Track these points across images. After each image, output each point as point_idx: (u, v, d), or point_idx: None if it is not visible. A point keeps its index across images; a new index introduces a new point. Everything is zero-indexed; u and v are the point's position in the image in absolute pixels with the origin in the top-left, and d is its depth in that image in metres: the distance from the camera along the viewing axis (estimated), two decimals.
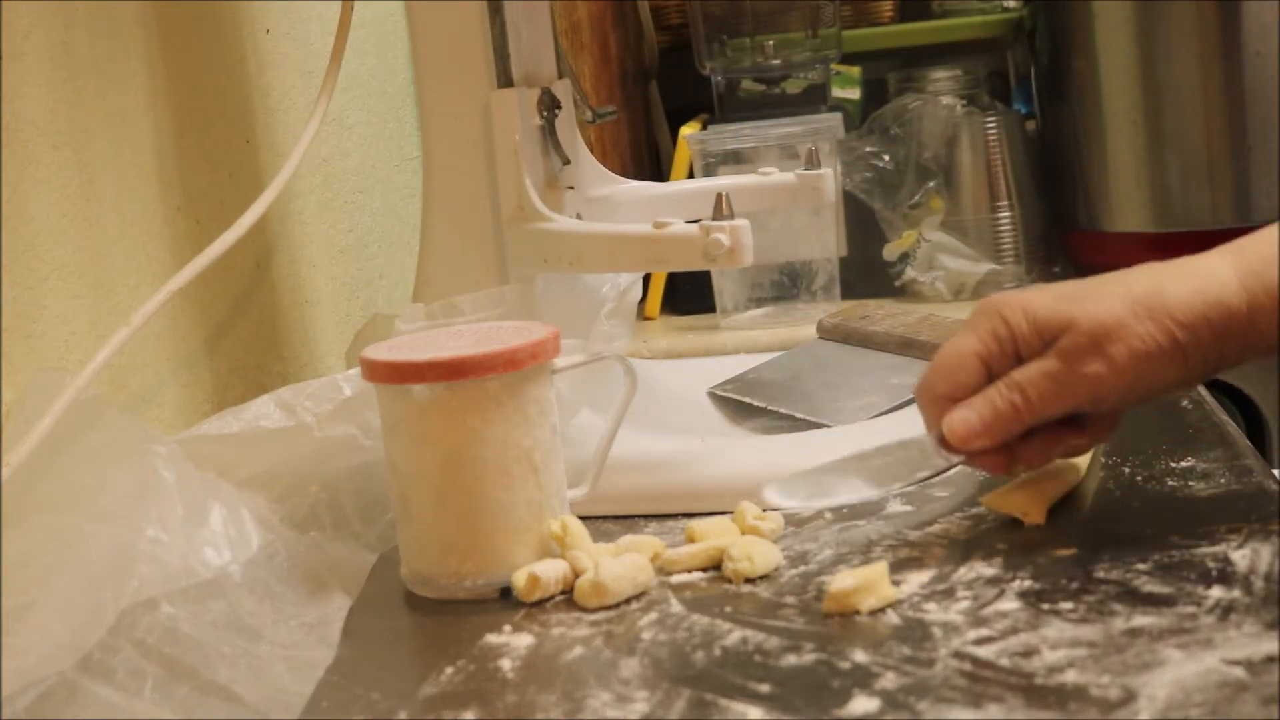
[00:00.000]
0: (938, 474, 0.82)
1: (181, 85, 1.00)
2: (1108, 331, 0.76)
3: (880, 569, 0.74)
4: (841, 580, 0.73)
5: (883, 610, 0.73)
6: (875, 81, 1.89)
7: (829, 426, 1.00)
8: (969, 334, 0.80)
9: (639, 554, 0.81)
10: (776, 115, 1.73)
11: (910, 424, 0.96)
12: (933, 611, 0.72)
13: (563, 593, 0.80)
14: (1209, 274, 0.77)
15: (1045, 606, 0.71)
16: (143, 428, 0.80)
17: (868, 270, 1.72)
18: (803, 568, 0.80)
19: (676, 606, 0.77)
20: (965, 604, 0.72)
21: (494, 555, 0.81)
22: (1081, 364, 0.77)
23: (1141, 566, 0.74)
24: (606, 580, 0.77)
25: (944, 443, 0.80)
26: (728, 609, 0.76)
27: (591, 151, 1.11)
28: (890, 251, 1.71)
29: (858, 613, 0.72)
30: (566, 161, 1.03)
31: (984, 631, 0.69)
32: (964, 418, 0.79)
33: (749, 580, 0.79)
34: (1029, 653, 0.66)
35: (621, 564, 0.78)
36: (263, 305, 1.11)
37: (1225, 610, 0.68)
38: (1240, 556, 0.74)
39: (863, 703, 0.63)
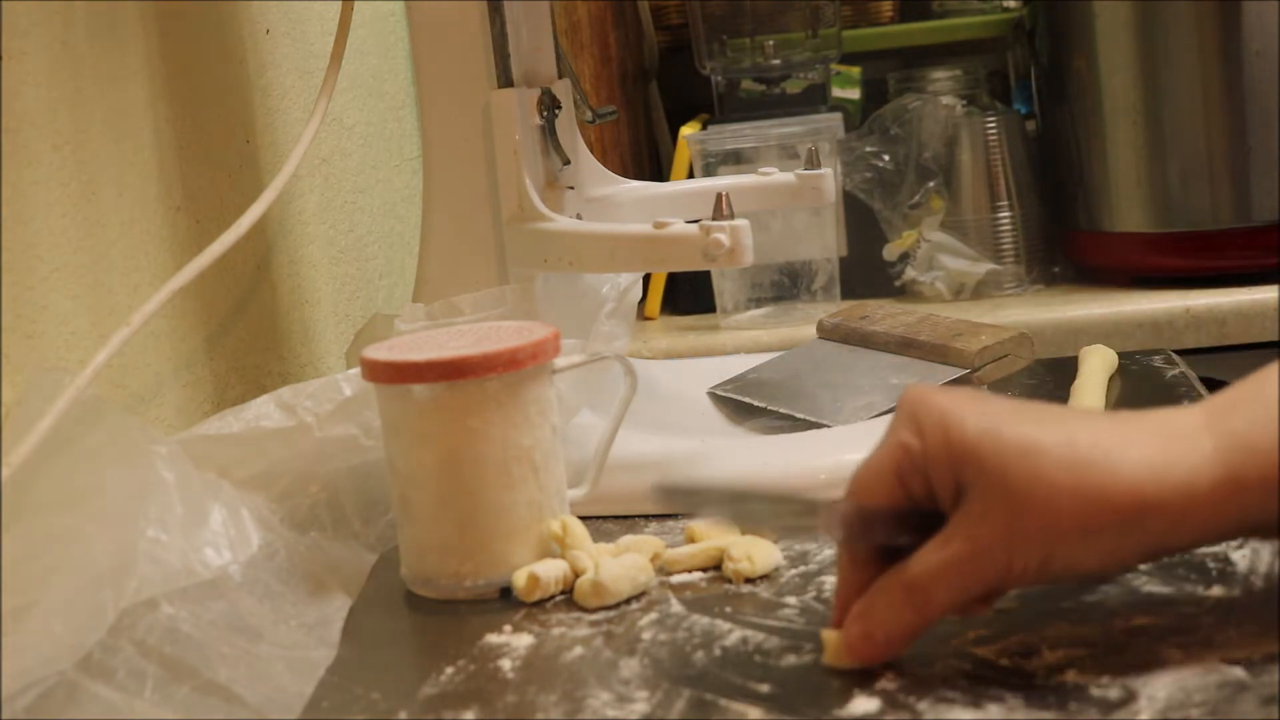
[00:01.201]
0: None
1: (181, 85, 1.00)
2: (1021, 502, 0.61)
3: None
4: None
5: None
6: (875, 81, 1.89)
7: (829, 426, 1.00)
8: (887, 441, 0.66)
9: (639, 554, 0.81)
10: (776, 115, 1.73)
11: None
12: None
13: (563, 593, 0.80)
14: (1177, 437, 0.62)
15: (1045, 606, 0.71)
16: (143, 428, 0.80)
17: (868, 270, 1.72)
18: (802, 568, 0.80)
19: (676, 606, 0.77)
20: None
21: (494, 555, 0.81)
22: (991, 543, 0.62)
23: (1142, 566, 0.74)
24: (606, 580, 0.77)
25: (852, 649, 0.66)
26: (728, 609, 0.76)
27: (591, 151, 1.11)
28: (890, 251, 1.71)
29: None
30: (566, 161, 1.03)
31: (984, 631, 0.69)
32: (865, 634, 0.65)
33: (749, 580, 0.79)
34: (1029, 653, 0.66)
35: (621, 564, 0.78)
36: (263, 305, 1.11)
37: (1225, 610, 0.68)
38: (1240, 556, 0.74)
39: (863, 703, 0.63)
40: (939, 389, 0.66)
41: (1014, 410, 0.64)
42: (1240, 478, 0.61)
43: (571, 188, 1.04)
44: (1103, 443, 0.62)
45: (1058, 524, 0.61)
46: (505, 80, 0.99)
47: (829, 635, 0.67)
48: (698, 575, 0.81)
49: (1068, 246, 1.74)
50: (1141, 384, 1.09)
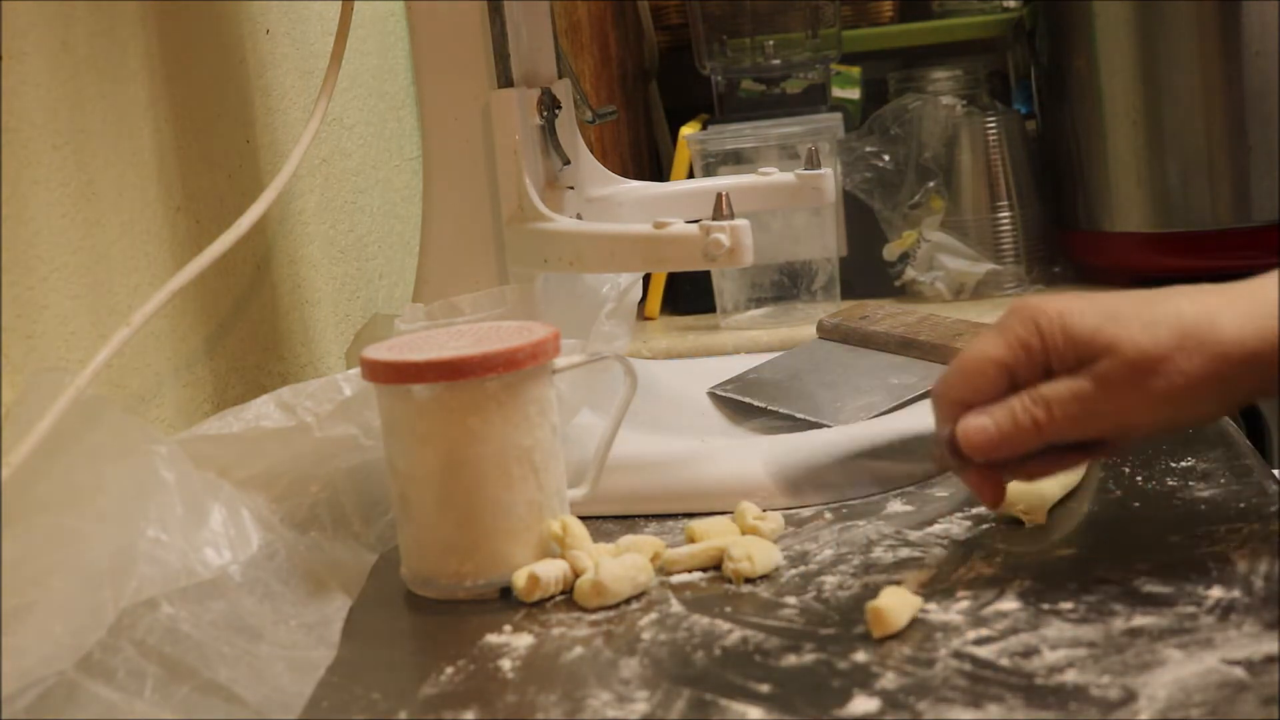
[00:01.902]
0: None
1: (181, 85, 1.00)
2: (1152, 363, 0.70)
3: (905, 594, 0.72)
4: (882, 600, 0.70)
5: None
6: (875, 81, 1.89)
7: (829, 426, 1.00)
8: (996, 338, 0.74)
9: (639, 554, 0.81)
10: (776, 115, 1.73)
11: (911, 422, 0.96)
12: (933, 611, 0.72)
13: (563, 593, 0.80)
14: (1266, 300, 0.71)
15: (1045, 606, 0.71)
16: (143, 428, 0.80)
17: (868, 270, 1.72)
18: (803, 568, 0.80)
19: (676, 606, 0.77)
20: (965, 604, 0.72)
21: (494, 555, 0.81)
22: (1117, 394, 0.71)
23: (1141, 566, 0.74)
24: (606, 580, 0.77)
25: (954, 448, 0.74)
26: (728, 609, 0.76)
27: (591, 151, 1.11)
28: (890, 251, 1.71)
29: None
30: (566, 161, 1.03)
31: (984, 631, 0.69)
32: (981, 425, 0.73)
33: (749, 580, 0.79)
34: (1029, 653, 0.66)
35: (621, 564, 0.78)
36: (263, 305, 1.11)
37: (1225, 610, 0.68)
38: (1240, 556, 0.74)
39: (863, 703, 0.63)
40: (1047, 296, 0.74)
41: (1121, 298, 0.73)
42: None
43: (571, 188, 1.05)
44: (1206, 309, 0.71)
45: (1179, 381, 0.70)
46: (505, 80, 0.99)
47: (878, 607, 0.69)
48: (698, 575, 0.81)
49: (1068, 246, 1.74)
50: None
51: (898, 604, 0.70)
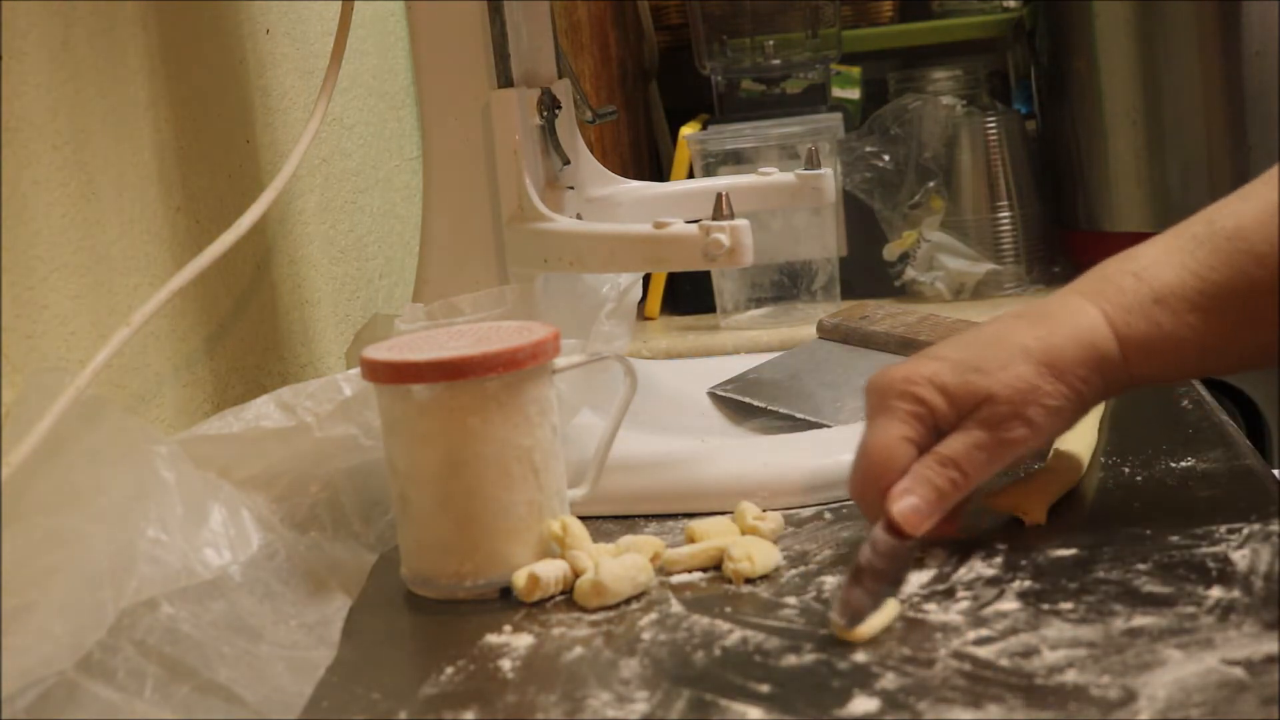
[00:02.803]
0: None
1: (181, 85, 1.00)
2: (1024, 398, 0.78)
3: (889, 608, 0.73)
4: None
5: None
6: (875, 81, 1.89)
7: (829, 426, 1.00)
8: (888, 420, 0.79)
9: (639, 554, 0.81)
10: (776, 115, 1.73)
11: None
12: (933, 611, 0.72)
13: (563, 593, 0.80)
14: (1089, 327, 0.80)
15: (1045, 606, 0.71)
16: (143, 428, 0.80)
17: (868, 270, 1.72)
18: (803, 568, 0.80)
19: (676, 606, 0.77)
20: (965, 604, 0.72)
21: (494, 555, 0.81)
22: (1006, 431, 0.78)
23: (1141, 566, 0.74)
24: (606, 580, 0.77)
25: (898, 532, 0.77)
26: (728, 609, 0.76)
27: (591, 151, 1.11)
28: (890, 251, 1.71)
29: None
30: (566, 161, 1.03)
31: (984, 631, 0.69)
32: (912, 506, 0.77)
33: (749, 580, 0.79)
34: (1029, 653, 0.66)
35: (621, 564, 0.78)
36: (263, 305, 1.11)
37: (1225, 610, 0.68)
38: (1240, 556, 0.74)
39: (863, 703, 0.63)
40: (909, 368, 0.80)
41: (968, 347, 0.81)
42: (1127, 344, 0.80)
43: (571, 188, 1.04)
44: (1042, 336, 0.79)
45: (1049, 404, 0.78)
46: (505, 80, 0.99)
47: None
48: (698, 575, 0.81)
49: (1068, 246, 1.74)
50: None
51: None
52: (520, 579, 0.79)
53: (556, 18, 1.09)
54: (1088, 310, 0.81)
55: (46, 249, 0.83)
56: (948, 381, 0.79)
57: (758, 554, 0.80)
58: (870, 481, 0.79)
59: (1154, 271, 0.81)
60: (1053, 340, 0.79)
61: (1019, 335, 0.80)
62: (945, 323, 1.09)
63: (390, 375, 0.80)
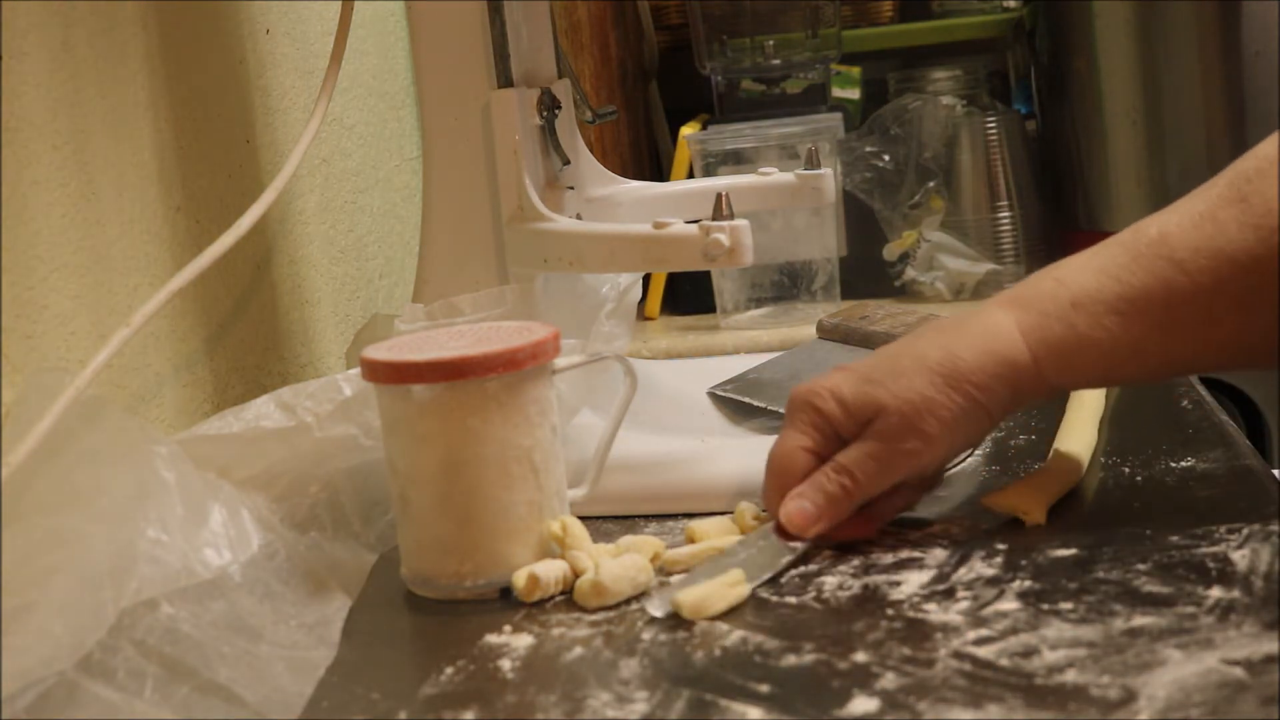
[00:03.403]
0: (798, 559, 0.81)
1: (181, 85, 1.00)
2: (916, 409, 0.80)
3: (730, 578, 0.76)
4: (690, 592, 0.75)
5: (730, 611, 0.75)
6: (875, 81, 1.89)
7: None
8: (790, 431, 0.83)
9: (639, 554, 0.81)
10: (776, 115, 1.73)
11: None
12: (933, 611, 0.72)
13: (563, 593, 0.80)
14: (995, 333, 0.81)
15: (1045, 606, 0.71)
16: (143, 428, 0.80)
17: (868, 270, 1.72)
18: (802, 568, 0.80)
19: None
20: (965, 604, 0.72)
21: (494, 555, 0.81)
22: (899, 442, 0.80)
23: (1141, 566, 0.74)
24: (606, 580, 0.77)
25: (783, 533, 0.81)
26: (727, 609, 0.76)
27: (591, 151, 1.11)
28: (890, 251, 1.71)
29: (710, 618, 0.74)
30: (566, 161, 1.03)
31: (984, 631, 0.69)
32: (799, 507, 0.80)
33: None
34: (1029, 653, 0.66)
35: (621, 564, 0.78)
36: (263, 305, 1.11)
37: (1225, 610, 0.68)
38: (1240, 556, 0.74)
39: (863, 703, 0.63)
40: (815, 381, 0.83)
41: (874, 360, 0.83)
42: (1040, 356, 0.81)
43: (571, 188, 1.04)
44: (947, 348, 0.81)
45: (944, 416, 0.80)
46: (505, 80, 0.99)
47: (684, 600, 0.74)
48: None
49: (1068, 246, 1.74)
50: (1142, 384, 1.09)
51: (710, 593, 0.74)
52: (520, 579, 0.79)
53: (556, 18, 1.09)
54: (999, 318, 0.82)
55: (46, 249, 0.83)
56: (845, 394, 0.81)
57: None
58: (772, 488, 0.83)
59: (1074, 277, 0.82)
60: (954, 349, 0.81)
61: (923, 346, 0.82)
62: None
63: (390, 375, 0.80)
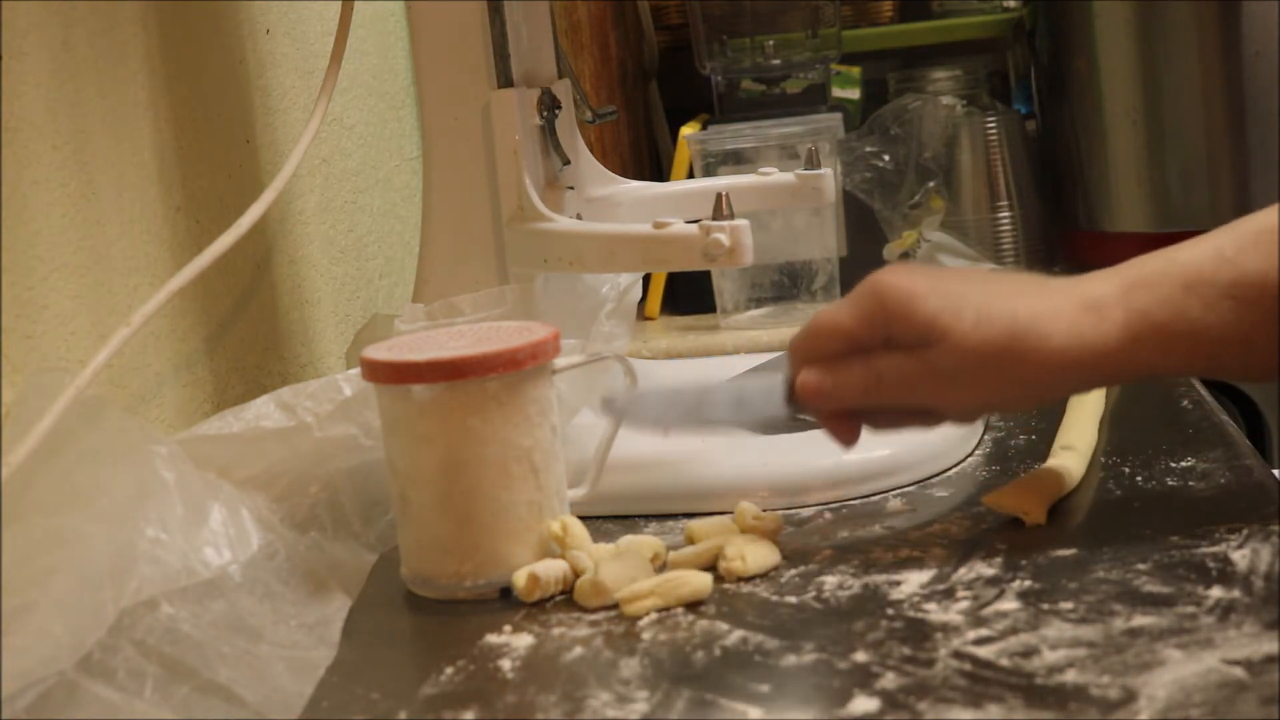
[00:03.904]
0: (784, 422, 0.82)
1: (181, 85, 1.00)
2: (977, 364, 0.76)
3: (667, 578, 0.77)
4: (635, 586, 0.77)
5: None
6: (875, 81, 1.89)
7: None
8: (847, 308, 0.79)
9: (639, 554, 0.81)
10: (776, 115, 1.73)
11: None
12: (933, 611, 0.72)
13: (563, 593, 0.80)
14: (1095, 311, 0.76)
15: (1045, 606, 0.71)
16: (143, 428, 0.80)
17: (868, 270, 1.70)
18: (802, 567, 0.80)
19: (676, 607, 0.77)
20: (965, 604, 0.72)
21: (494, 555, 0.81)
22: (941, 381, 0.77)
23: (1141, 566, 0.74)
24: (606, 580, 0.77)
25: (790, 394, 0.81)
26: (727, 609, 0.76)
27: (591, 151, 1.11)
28: (890, 251, 1.71)
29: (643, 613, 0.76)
30: (566, 161, 1.03)
31: (984, 631, 0.69)
32: (818, 379, 0.79)
33: (749, 580, 0.79)
34: (1029, 653, 0.66)
35: (621, 564, 0.78)
36: (263, 305, 1.11)
37: (1225, 610, 0.68)
38: (1240, 556, 0.74)
39: (863, 703, 0.63)
40: (902, 272, 0.79)
41: (970, 285, 0.78)
42: (1140, 343, 0.76)
43: (571, 188, 1.04)
44: (1038, 315, 0.76)
45: (1000, 377, 0.76)
46: (505, 80, 0.99)
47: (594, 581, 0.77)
48: None
49: (1068, 246, 1.74)
50: (1141, 384, 1.09)
51: (615, 576, 0.77)
52: (520, 579, 0.79)
53: (556, 18, 1.09)
54: (1104, 293, 0.77)
55: (46, 249, 0.83)
56: (919, 306, 0.77)
57: (751, 553, 0.80)
58: (800, 348, 0.81)
59: (1187, 257, 0.77)
60: (1044, 323, 0.75)
61: (1017, 302, 0.77)
62: None
63: (390, 375, 0.80)
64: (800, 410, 0.81)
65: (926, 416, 0.81)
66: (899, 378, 0.77)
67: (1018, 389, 0.78)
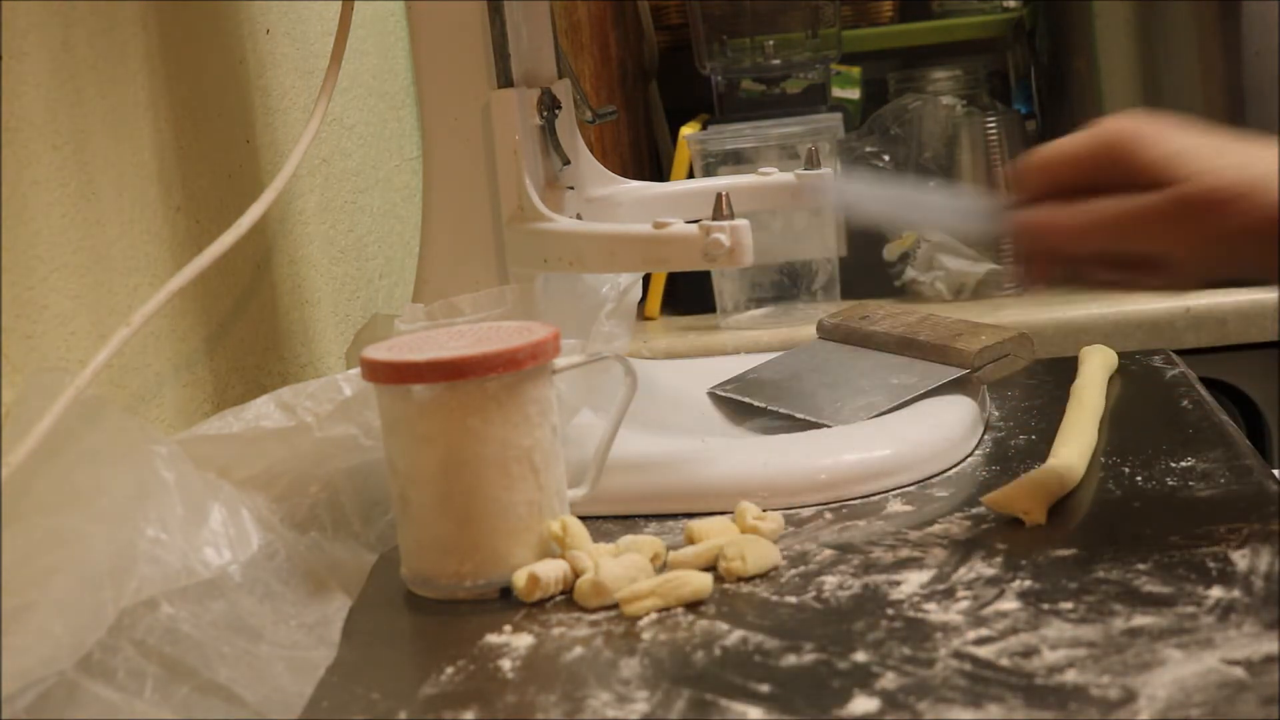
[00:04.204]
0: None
1: (181, 85, 1.00)
2: (1216, 203, 0.71)
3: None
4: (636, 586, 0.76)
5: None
6: (875, 81, 1.89)
7: (829, 426, 1.00)
8: (1079, 143, 0.75)
9: (639, 554, 0.81)
10: (776, 115, 1.73)
11: (910, 424, 0.96)
12: (933, 611, 0.72)
13: (563, 593, 0.80)
14: None
15: (1045, 606, 0.71)
16: (143, 428, 0.80)
17: (868, 270, 1.72)
18: (802, 567, 0.80)
19: (676, 607, 0.77)
20: (965, 604, 0.72)
21: (494, 555, 0.81)
22: (1175, 224, 0.72)
23: (1141, 566, 0.74)
24: (606, 580, 0.77)
25: (1011, 223, 0.77)
26: (726, 609, 0.76)
27: (591, 151, 1.11)
28: (890, 251, 1.71)
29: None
30: (566, 161, 1.03)
31: (984, 631, 0.69)
32: (1047, 216, 0.75)
33: (749, 580, 0.79)
34: (1029, 653, 0.66)
35: (621, 564, 0.78)
36: (263, 305, 1.11)
37: (1225, 610, 0.68)
38: (1240, 556, 0.74)
39: (863, 703, 0.63)
40: (1140, 118, 0.74)
41: (1196, 130, 0.73)
42: None
43: (571, 188, 1.04)
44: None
45: (1244, 220, 0.70)
46: (505, 80, 0.99)
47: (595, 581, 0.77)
48: None
49: None
50: (1141, 384, 1.09)
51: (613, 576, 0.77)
52: (520, 579, 0.79)
53: (556, 18, 1.09)
54: None
55: (46, 249, 0.83)
56: (1151, 147, 0.72)
57: (751, 552, 0.80)
58: (1024, 172, 0.77)
59: None
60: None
61: (1260, 151, 0.72)
62: (945, 323, 1.09)
63: (390, 375, 0.80)
64: (1014, 240, 0.76)
65: (1149, 271, 0.76)
66: (1137, 216, 0.73)
67: (1250, 242, 0.72)
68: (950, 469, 0.94)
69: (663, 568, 0.82)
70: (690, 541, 0.84)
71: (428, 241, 1.02)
